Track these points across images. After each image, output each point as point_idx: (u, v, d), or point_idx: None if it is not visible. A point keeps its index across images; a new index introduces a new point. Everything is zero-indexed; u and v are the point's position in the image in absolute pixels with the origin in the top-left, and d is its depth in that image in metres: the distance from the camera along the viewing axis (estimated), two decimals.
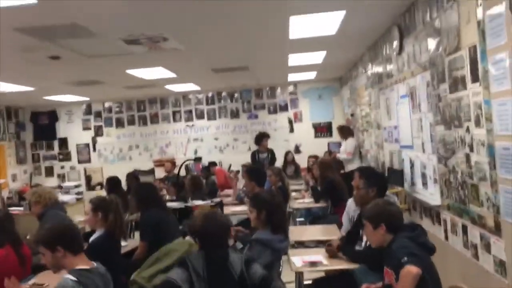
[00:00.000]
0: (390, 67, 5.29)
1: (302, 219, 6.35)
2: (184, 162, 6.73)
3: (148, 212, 4.26)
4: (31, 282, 3.46)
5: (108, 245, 3.56)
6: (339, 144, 9.75)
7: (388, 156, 5.78)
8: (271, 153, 8.34)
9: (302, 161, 8.88)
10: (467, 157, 3.17)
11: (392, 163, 5.61)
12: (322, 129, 10.04)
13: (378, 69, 5.95)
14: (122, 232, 3.84)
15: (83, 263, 2.57)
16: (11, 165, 9.75)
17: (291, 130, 10.09)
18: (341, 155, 7.41)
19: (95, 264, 2.63)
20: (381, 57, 5.77)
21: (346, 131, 7.72)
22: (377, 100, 6.13)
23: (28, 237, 4.32)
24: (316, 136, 10.02)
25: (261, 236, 3.37)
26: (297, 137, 10.03)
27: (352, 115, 8.52)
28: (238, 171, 9.04)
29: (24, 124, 10.37)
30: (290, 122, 10.10)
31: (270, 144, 8.55)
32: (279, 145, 9.39)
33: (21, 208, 6.99)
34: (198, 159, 7.53)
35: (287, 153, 9.04)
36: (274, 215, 3.39)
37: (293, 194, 6.89)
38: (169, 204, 5.64)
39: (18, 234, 3.68)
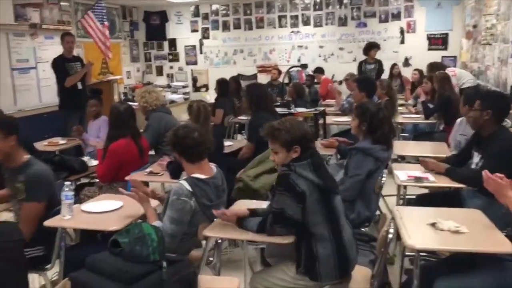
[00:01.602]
0: None
1: (406, 134, 6.16)
2: (290, 68, 6.64)
3: (257, 114, 4.34)
4: (148, 170, 3.80)
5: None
6: (455, 59, 9.07)
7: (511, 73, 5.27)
8: (379, 64, 7.98)
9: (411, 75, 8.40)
10: None
11: None
12: (437, 41, 9.29)
13: None
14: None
15: (201, 171, 2.58)
16: (126, 63, 10.36)
17: (402, 41, 9.46)
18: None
19: (214, 172, 2.67)
20: None
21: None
22: (507, 11, 5.49)
23: (141, 130, 4.67)
24: (429, 49, 9.34)
25: (361, 145, 3.32)
26: (408, 48, 9.41)
27: (474, 26, 7.74)
28: (341, 81, 8.83)
29: (138, 23, 10.80)
30: (402, 32, 9.45)
31: (378, 55, 8.16)
32: (387, 57, 8.91)
33: (135, 104, 7.51)
34: (304, 66, 7.39)
35: (393, 66, 8.60)
36: (377, 129, 3.30)
37: (399, 108, 6.64)
38: None
39: (137, 127, 3.98)
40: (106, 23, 7.71)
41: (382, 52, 8.62)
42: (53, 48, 7.33)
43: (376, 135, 3.28)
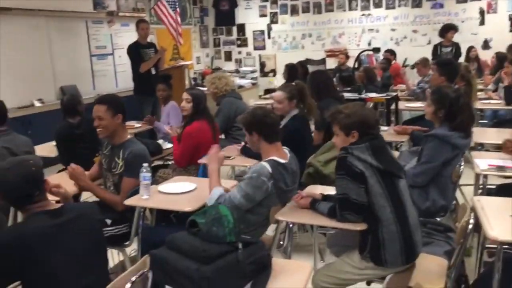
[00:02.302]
0: None
1: (485, 121, 5.85)
2: (362, 52, 6.45)
3: (323, 101, 4.30)
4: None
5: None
6: None
7: None
8: (456, 47, 7.60)
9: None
10: None
11: None
12: None
13: None
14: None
15: (278, 154, 2.67)
16: (196, 48, 10.57)
17: (482, 22, 8.93)
18: None
19: (288, 156, 2.73)
20: None
21: None
22: None
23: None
24: (511, 30, 8.75)
25: (438, 131, 3.17)
26: (488, 30, 8.88)
27: None
28: (413, 66, 8.50)
29: (207, 9, 10.96)
30: (482, 12, 8.91)
31: (455, 37, 7.76)
32: (465, 39, 8.46)
33: (205, 88, 7.66)
34: (376, 50, 7.18)
35: (470, 49, 8.16)
36: (457, 116, 3.13)
37: (477, 94, 6.30)
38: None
39: (209, 110, 4.07)
40: (178, 9, 7.90)
41: (459, 34, 8.17)
42: (128, 35, 7.63)
43: (454, 123, 3.11)
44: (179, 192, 2.97)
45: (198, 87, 7.71)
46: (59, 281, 1.81)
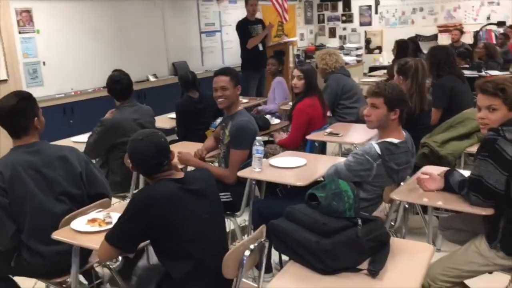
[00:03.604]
0: None
1: None
2: (484, 26, 5.90)
3: (443, 78, 4.06)
4: (328, 130, 3.85)
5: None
6: None
7: None
8: None
9: None
10: None
11: None
12: None
13: None
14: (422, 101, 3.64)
15: (397, 135, 2.61)
16: (300, 25, 10.49)
17: None
18: None
19: (405, 136, 2.65)
20: None
21: None
22: None
23: None
24: None
25: None
26: None
27: None
28: None
29: None
30: None
31: None
32: None
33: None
34: (501, 23, 6.56)
35: None
36: None
37: None
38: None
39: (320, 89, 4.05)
40: None
41: None
42: (236, 13, 7.77)
43: None
44: (290, 167, 3.00)
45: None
46: (186, 240, 1.92)
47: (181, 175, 2.05)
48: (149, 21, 6.60)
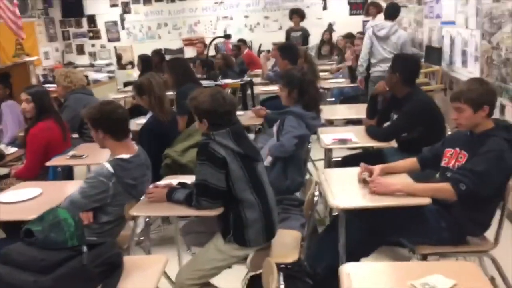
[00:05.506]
0: None
1: (333, 99, 6.30)
2: (213, 39, 6.52)
3: (183, 86, 4.24)
4: (70, 153, 3.62)
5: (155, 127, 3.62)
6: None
7: (427, 34, 5.48)
8: (304, 31, 8.05)
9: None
10: None
11: (430, 41, 5.34)
12: (358, 6, 9.49)
13: None
14: (164, 112, 3.71)
15: (126, 150, 2.56)
16: (43, 43, 9.76)
17: (325, 7, 9.57)
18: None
19: (136, 150, 2.63)
20: None
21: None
22: None
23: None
24: (351, 14, 9.52)
25: (294, 109, 3.33)
26: (330, 14, 9.55)
27: None
28: (268, 51, 8.81)
29: (51, 0, 10.15)
30: None
31: (304, 22, 8.21)
32: (312, 23, 8.98)
33: (53, 85, 7.11)
34: (227, 36, 7.27)
35: (324, 32, 8.71)
36: (306, 93, 3.33)
37: (325, 74, 6.76)
38: None
39: (57, 110, 3.77)
40: (15, 1, 7.21)
41: (305, 19, 8.67)
42: None
43: (304, 99, 3.30)
44: (21, 200, 2.71)
45: (49, 84, 7.16)
46: None
47: None
48: None
